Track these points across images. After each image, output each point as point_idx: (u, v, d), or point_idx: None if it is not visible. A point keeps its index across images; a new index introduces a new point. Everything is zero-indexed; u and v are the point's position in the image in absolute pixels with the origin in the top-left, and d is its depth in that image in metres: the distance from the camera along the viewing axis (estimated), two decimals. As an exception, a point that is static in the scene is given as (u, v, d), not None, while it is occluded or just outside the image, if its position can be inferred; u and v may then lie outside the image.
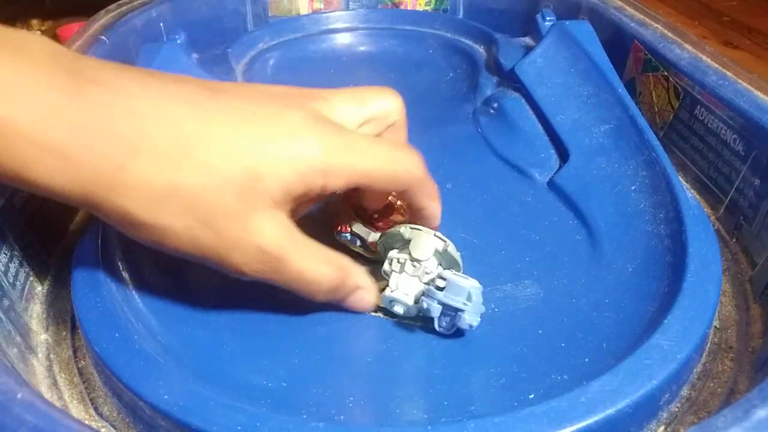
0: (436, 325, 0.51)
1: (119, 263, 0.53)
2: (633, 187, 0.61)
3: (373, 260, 0.59)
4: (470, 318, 0.48)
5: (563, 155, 0.70)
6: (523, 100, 0.77)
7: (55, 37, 1.31)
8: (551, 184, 0.68)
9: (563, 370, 0.46)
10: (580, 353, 0.48)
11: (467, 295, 0.49)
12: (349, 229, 0.59)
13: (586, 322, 0.51)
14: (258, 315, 0.54)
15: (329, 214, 0.60)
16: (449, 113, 0.83)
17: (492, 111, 0.80)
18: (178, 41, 0.82)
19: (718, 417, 0.33)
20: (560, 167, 0.69)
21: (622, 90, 0.70)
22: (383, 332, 0.53)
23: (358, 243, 0.59)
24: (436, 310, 0.49)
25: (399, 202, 0.61)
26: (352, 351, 0.51)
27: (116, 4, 0.91)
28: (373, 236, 0.57)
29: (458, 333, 0.51)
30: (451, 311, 0.49)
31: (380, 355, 0.50)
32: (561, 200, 0.65)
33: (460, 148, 0.76)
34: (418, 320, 0.52)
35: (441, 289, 0.50)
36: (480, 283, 0.50)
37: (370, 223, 0.59)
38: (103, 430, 0.44)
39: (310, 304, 0.55)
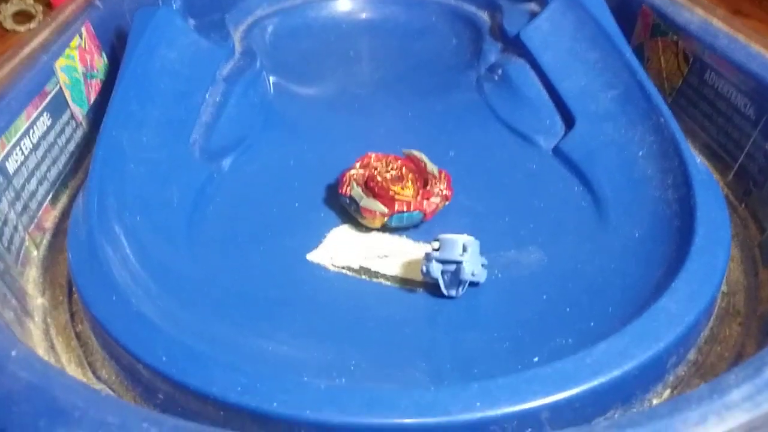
0: (442, 287, 0.51)
1: (116, 226, 0.52)
2: (640, 153, 0.60)
3: (364, 226, 0.60)
4: (470, 266, 0.49)
5: (569, 122, 0.68)
6: (528, 67, 0.76)
7: (49, 5, 1.29)
8: (556, 151, 0.67)
9: (568, 333, 0.45)
10: (585, 317, 0.47)
11: (462, 247, 0.49)
12: (349, 193, 0.60)
13: (591, 287, 0.50)
14: (260, 279, 0.54)
15: (340, 180, 0.62)
16: (452, 81, 0.81)
17: (496, 78, 0.79)
18: (174, 6, 0.81)
19: (729, 375, 0.33)
20: (566, 134, 0.68)
21: (630, 55, 0.68)
22: (385, 298, 0.52)
23: (353, 207, 0.60)
24: (436, 269, 0.49)
25: (411, 174, 0.62)
26: (353, 316, 0.50)
27: (110, -32, 0.89)
28: (365, 201, 0.58)
29: (463, 299, 0.50)
30: (450, 266, 0.49)
31: (382, 320, 0.50)
32: (566, 167, 0.64)
33: (464, 115, 0.75)
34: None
35: (437, 250, 0.51)
36: (483, 249, 0.50)
37: (378, 195, 0.60)
38: (101, 392, 0.43)
39: (313, 270, 0.55)
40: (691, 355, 0.46)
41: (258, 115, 0.76)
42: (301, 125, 0.77)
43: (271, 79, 0.82)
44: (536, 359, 0.43)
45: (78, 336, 0.48)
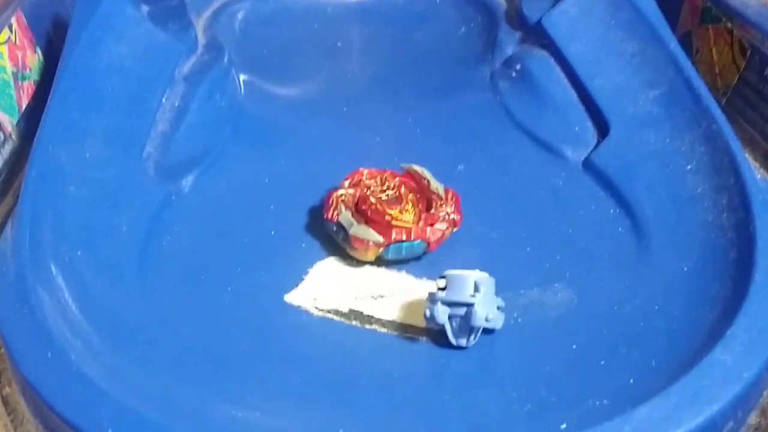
0: (449, 335, 0.51)
1: (52, 264, 0.53)
2: (688, 167, 0.61)
3: (355, 259, 0.60)
4: (483, 309, 0.49)
5: (602, 128, 0.69)
6: (552, 60, 0.77)
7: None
8: (587, 164, 0.68)
9: (602, 393, 0.46)
10: (623, 372, 0.47)
11: (473, 286, 0.50)
12: (336, 218, 0.61)
13: (630, 333, 0.51)
14: (228, 328, 0.54)
15: (325, 203, 0.62)
16: (461, 77, 0.82)
17: (514, 74, 0.79)
18: (124, -11, 0.81)
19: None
20: (598, 143, 0.68)
21: (674, 46, 0.69)
22: (381, 350, 0.53)
23: (341, 236, 0.60)
24: (442, 312, 0.50)
25: (411, 195, 0.63)
26: (342, 372, 0.51)
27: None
28: (356, 229, 0.59)
29: (475, 350, 0.51)
30: (459, 309, 0.50)
31: (377, 377, 0.50)
32: (599, 184, 0.65)
33: (475, 120, 0.76)
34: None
35: (443, 289, 0.51)
36: (500, 287, 0.50)
37: (372, 220, 0.60)
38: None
39: (292, 315, 0.55)
40: (753, 419, 0.46)
41: (226, 122, 0.77)
42: (279, 134, 0.77)
43: (242, 77, 0.83)
44: (564, 426, 0.43)
45: (5, 401, 0.49)
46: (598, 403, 0.45)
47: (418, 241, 0.59)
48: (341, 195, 0.63)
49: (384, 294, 0.58)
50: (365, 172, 0.65)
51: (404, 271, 0.60)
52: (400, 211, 0.61)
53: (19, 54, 0.73)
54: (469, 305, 0.50)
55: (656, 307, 0.52)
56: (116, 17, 0.75)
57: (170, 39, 0.77)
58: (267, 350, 0.52)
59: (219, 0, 0.93)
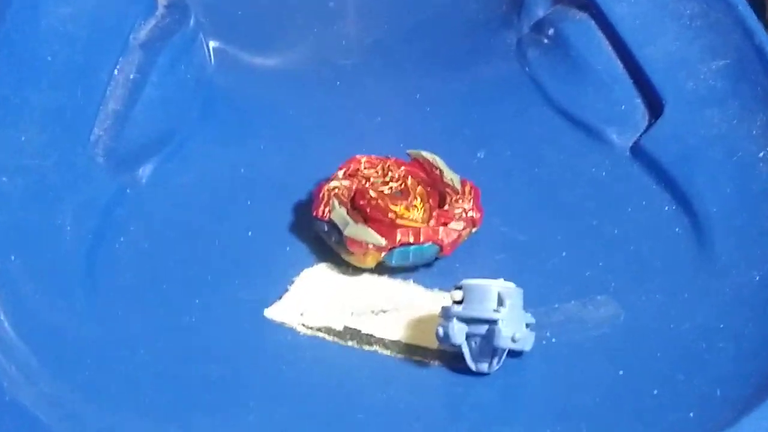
0: (467, 359, 0.51)
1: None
2: (761, 155, 0.61)
3: (351, 266, 0.60)
4: (509, 328, 0.49)
5: (654, 106, 0.69)
6: (592, 23, 0.76)
7: None
8: (636, 150, 0.67)
9: (655, 428, 0.46)
10: (680, 404, 0.47)
11: (497, 299, 0.49)
12: (328, 216, 0.61)
13: (689, 357, 0.51)
14: (196, 350, 0.54)
15: (315, 197, 0.63)
16: (480, 45, 0.82)
17: (546, 40, 0.79)
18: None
19: None
20: (650, 125, 0.68)
21: (743, 6, 0.69)
22: (383, 376, 0.53)
23: (334, 238, 0.60)
24: (458, 331, 0.50)
25: (420, 188, 0.63)
26: (336, 403, 0.50)
27: None
28: (352, 229, 0.59)
29: (499, 377, 0.51)
30: (479, 327, 0.50)
31: (379, 409, 0.50)
32: (651, 174, 0.65)
33: (498, 96, 0.76)
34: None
35: (460, 302, 0.51)
36: (529, 300, 0.50)
37: (372, 219, 0.60)
38: None
39: (275, 334, 0.55)
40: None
41: (192, 99, 0.76)
42: (257, 114, 0.77)
43: (212, 44, 0.83)
44: (608, 470, 0.43)
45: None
46: (650, 441, 0.45)
47: (429, 243, 0.59)
48: (334, 188, 0.63)
49: (387, 308, 0.58)
50: (363, 159, 0.65)
51: (412, 281, 0.61)
52: (407, 208, 0.61)
53: (-61, 15, 0.72)
54: (492, 322, 0.50)
55: (721, 325, 0.52)
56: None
57: (123, -3, 0.77)
58: (243, 378, 0.52)
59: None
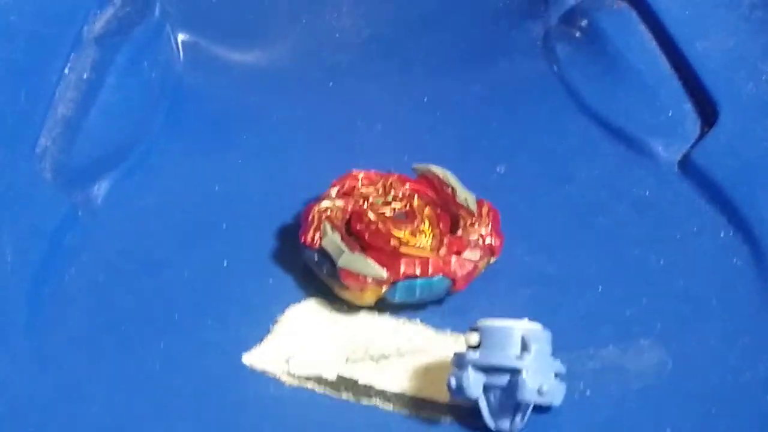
0: (485, 417, 0.51)
1: None
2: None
3: (346, 302, 0.61)
4: (535, 379, 0.49)
5: (707, 113, 0.69)
6: (633, 14, 0.77)
7: None
8: (686, 165, 0.68)
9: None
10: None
11: (520, 343, 0.50)
12: (318, 243, 0.61)
13: (750, 413, 0.51)
14: (162, 405, 0.54)
15: (303, 220, 0.63)
16: (502, 38, 0.82)
17: (578, 33, 0.79)
18: None
19: None
20: (702, 135, 0.68)
21: (812, -6, 0.70)
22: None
23: (325, 269, 0.60)
24: (474, 384, 0.50)
25: (428, 209, 0.63)
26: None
27: None
28: (348, 259, 0.59)
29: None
30: (500, 378, 0.50)
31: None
32: (703, 193, 0.65)
33: (522, 100, 0.76)
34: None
35: (476, 347, 0.51)
36: (559, 345, 0.50)
37: (371, 247, 0.60)
38: None
39: (255, 384, 0.55)
40: None
41: (157, 103, 0.77)
42: (234, 121, 0.78)
43: (181, 37, 0.83)
44: None
45: None
46: None
47: (439, 276, 0.59)
48: (326, 209, 0.63)
49: (389, 354, 0.58)
50: (361, 175, 0.65)
51: (419, 321, 0.60)
52: (412, 233, 0.61)
53: None
54: (515, 372, 0.49)
55: (789, 376, 0.52)
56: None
57: (76, -17, 0.77)
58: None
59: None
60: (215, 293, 0.62)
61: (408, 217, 0.63)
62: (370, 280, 0.58)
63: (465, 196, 0.63)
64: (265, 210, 0.67)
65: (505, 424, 0.51)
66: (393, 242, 0.60)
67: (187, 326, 0.60)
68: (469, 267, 0.60)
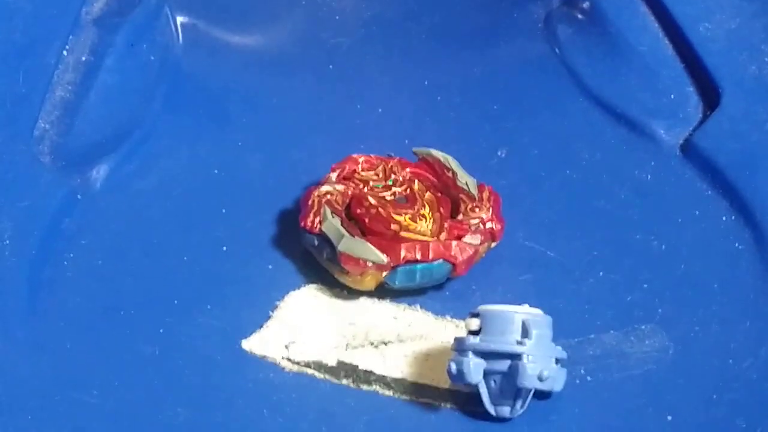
0: (486, 403, 0.51)
1: None
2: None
3: (346, 287, 0.61)
4: (536, 364, 0.49)
5: (709, 96, 0.69)
6: (636, -4, 0.77)
7: None
8: (688, 149, 0.67)
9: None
10: (742, 457, 0.48)
11: (521, 328, 0.50)
12: (318, 228, 0.61)
13: (751, 400, 0.50)
14: (160, 390, 0.54)
15: (302, 204, 0.63)
16: (503, 20, 0.81)
17: (580, 15, 0.79)
18: None
19: None
20: (704, 118, 0.68)
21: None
22: (384, 422, 0.53)
23: (325, 254, 0.60)
24: (475, 368, 0.50)
25: (429, 194, 0.63)
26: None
27: None
28: (348, 243, 0.59)
29: (524, 423, 0.51)
30: (500, 364, 0.50)
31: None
32: (705, 178, 0.65)
33: (523, 83, 0.75)
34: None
35: (476, 333, 0.51)
36: (559, 330, 0.50)
37: (371, 231, 0.60)
38: None
39: (254, 370, 0.55)
40: None
41: (156, 85, 0.76)
42: (233, 104, 0.77)
43: (180, 19, 0.82)
44: None
45: None
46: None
47: (439, 261, 0.59)
48: (326, 194, 0.63)
49: (389, 340, 0.58)
50: (361, 159, 0.65)
51: (419, 307, 0.60)
52: (413, 218, 0.61)
53: None
54: (515, 357, 0.49)
55: (791, 361, 0.52)
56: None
57: (74, -36, 0.77)
58: (217, 424, 0.52)
59: None
60: (215, 278, 0.62)
61: (408, 201, 0.63)
62: (370, 264, 0.58)
63: (466, 180, 0.63)
64: (264, 194, 0.67)
65: (506, 409, 0.51)
66: (393, 227, 0.60)
67: (187, 311, 0.60)
68: (470, 252, 0.60)
